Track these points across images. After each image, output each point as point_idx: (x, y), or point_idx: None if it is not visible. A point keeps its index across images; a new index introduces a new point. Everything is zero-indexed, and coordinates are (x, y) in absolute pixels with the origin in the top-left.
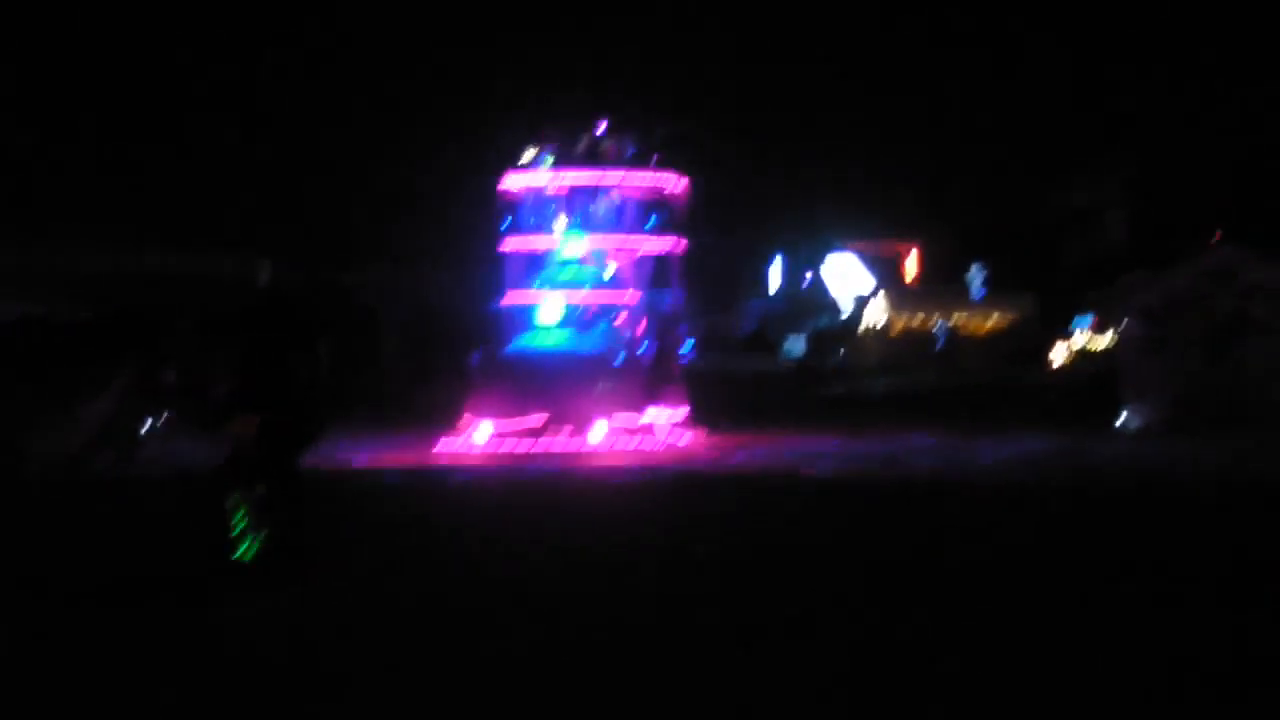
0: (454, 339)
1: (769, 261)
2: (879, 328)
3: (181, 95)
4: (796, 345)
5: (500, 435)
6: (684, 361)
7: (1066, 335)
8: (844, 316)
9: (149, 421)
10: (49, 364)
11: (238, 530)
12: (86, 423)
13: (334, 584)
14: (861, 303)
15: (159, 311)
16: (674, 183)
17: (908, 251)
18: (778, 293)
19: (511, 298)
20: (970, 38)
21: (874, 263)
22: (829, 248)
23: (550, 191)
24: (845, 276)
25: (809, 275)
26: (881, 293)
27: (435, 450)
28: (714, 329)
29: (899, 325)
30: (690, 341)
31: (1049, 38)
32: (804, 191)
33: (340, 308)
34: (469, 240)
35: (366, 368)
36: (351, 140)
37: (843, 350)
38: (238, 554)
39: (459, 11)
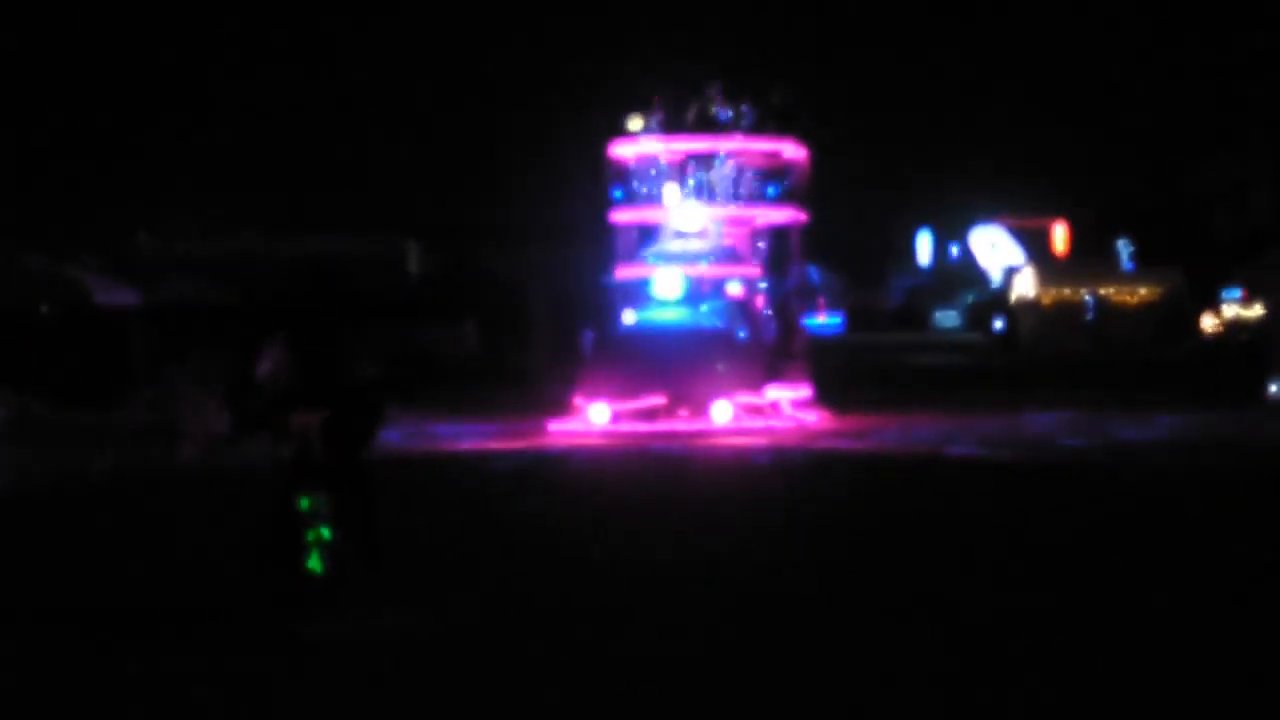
0: (567, 317)
1: (915, 236)
2: (1029, 299)
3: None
4: (947, 318)
5: (616, 416)
6: (829, 333)
7: (1214, 308)
8: (994, 288)
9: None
10: (201, 346)
11: (311, 537)
12: (236, 406)
13: (459, 595)
14: (1010, 275)
15: (309, 295)
16: (793, 151)
17: (1054, 225)
18: (925, 267)
19: (624, 272)
20: (1120, 11)
21: (1021, 236)
22: (975, 222)
23: (662, 159)
24: (994, 249)
25: (956, 249)
26: (1029, 265)
27: (548, 433)
28: (863, 303)
29: (1048, 297)
30: (839, 316)
31: (1197, 12)
32: (948, 165)
33: (485, 289)
34: (580, 213)
35: (513, 348)
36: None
37: (1000, 322)
38: (309, 564)
39: None
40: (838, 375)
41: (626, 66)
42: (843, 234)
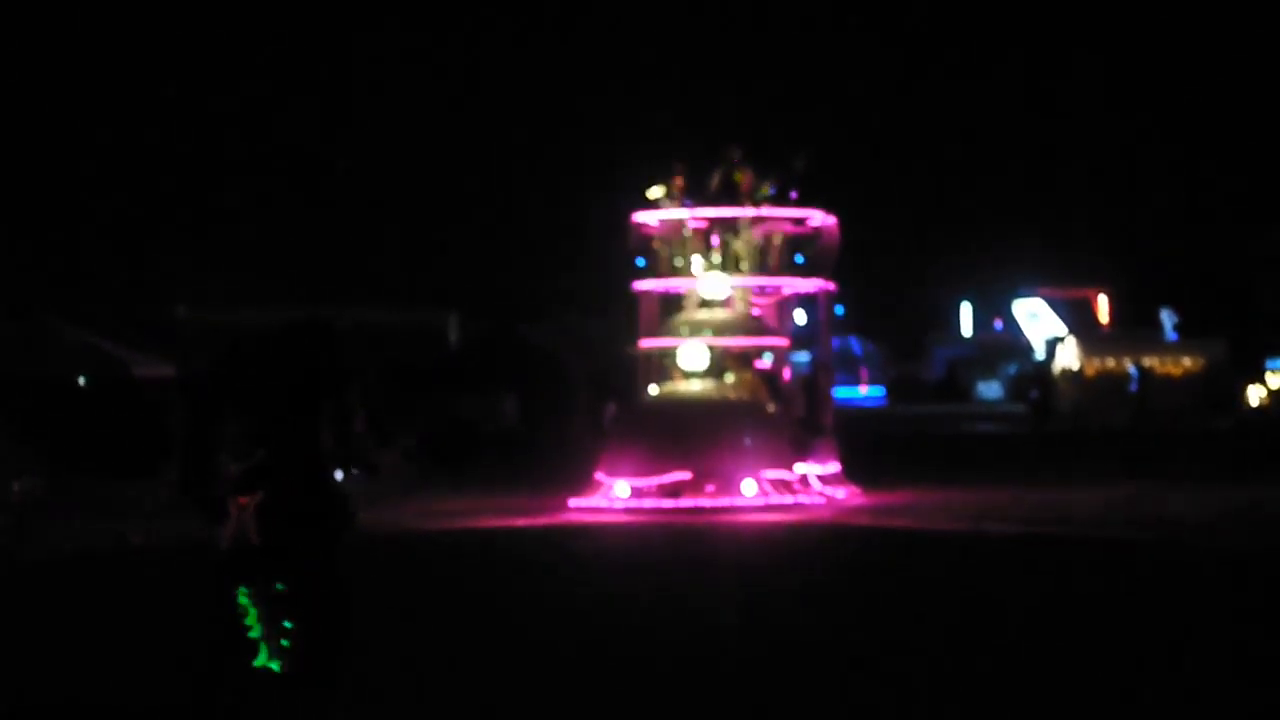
0: (589, 388)
1: (957, 307)
2: (1072, 371)
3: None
4: (989, 389)
5: (638, 493)
6: (871, 404)
7: (1260, 379)
8: (1037, 360)
9: (337, 473)
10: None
11: (257, 633)
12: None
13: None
14: (1052, 346)
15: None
16: (820, 218)
17: (1096, 296)
18: (967, 338)
19: (647, 343)
20: (1158, 81)
21: (1063, 306)
22: (1017, 292)
23: (686, 227)
24: (1035, 320)
25: (998, 321)
26: (1072, 337)
27: (568, 510)
28: (905, 375)
29: (1091, 368)
30: (880, 388)
31: (1238, 82)
32: (989, 236)
33: (524, 360)
34: (603, 282)
35: (552, 420)
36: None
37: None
38: (260, 661)
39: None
40: (872, 448)
41: (652, 133)
42: (884, 305)
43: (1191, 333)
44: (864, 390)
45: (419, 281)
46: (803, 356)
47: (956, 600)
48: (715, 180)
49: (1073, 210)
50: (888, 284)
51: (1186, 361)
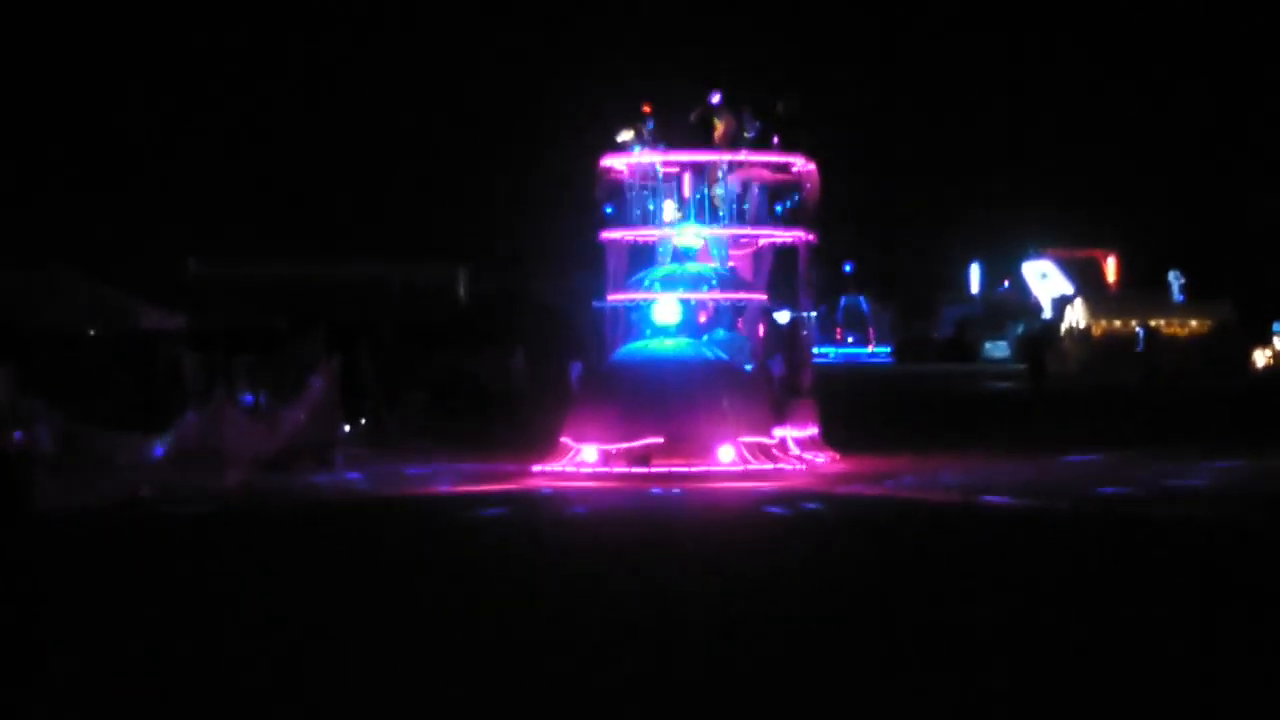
0: (559, 345)
1: (966, 268)
2: (1079, 331)
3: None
4: (996, 349)
5: (606, 458)
6: (878, 362)
7: (1266, 342)
8: (1045, 319)
9: (346, 429)
10: (249, 371)
11: None
12: (283, 428)
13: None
14: (1060, 306)
15: (355, 319)
16: (802, 165)
17: (1105, 257)
18: (976, 298)
19: (616, 297)
20: (1171, 44)
21: (1072, 267)
22: (1026, 253)
23: (658, 174)
24: (1044, 280)
25: (1007, 281)
26: (1079, 298)
27: (534, 474)
28: (913, 334)
29: (1099, 329)
30: (888, 347)
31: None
32: (999, 196)
33: (532, 316)
34: (570, 232)
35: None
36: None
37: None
38: None
39: None
40: (862, 408)
41: (626, 75)
42: (894, 265)
43: (1199, 295)
44: (871, 349)
45: (428, 236)
46: (784, 313)
47: (930, 577)
48: (693, 120)
49: (1082, 172)
50: (897, 244)
51: (1193, 323)
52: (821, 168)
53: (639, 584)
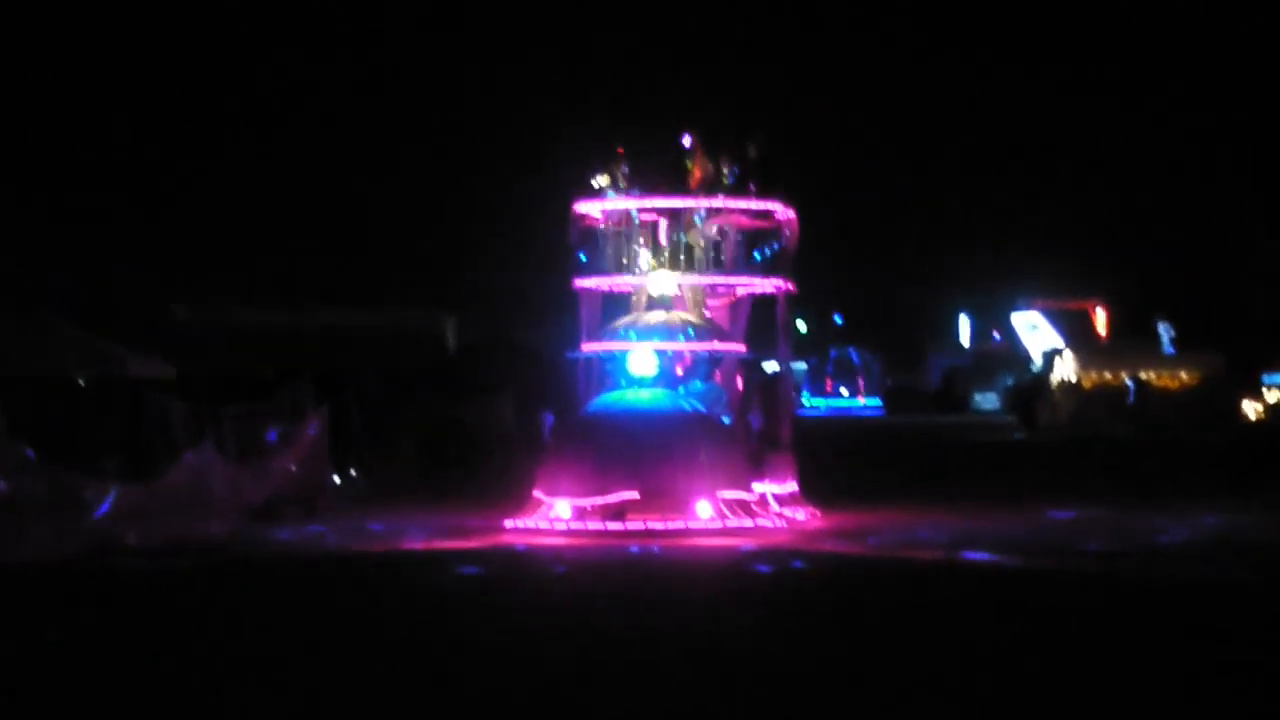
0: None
1: (955, 318)
2: (1069, 383)
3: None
4: (986, 400)
5: (580, 513)
6: (869, 414)
7: (1256, 393)
8: (1034, 371)
9: (333, 477)
10: (236, 418)
11: None
12: (272, 477)
13: None
14: (1050, 358)
15: (343, 367)
16: (781, 212)
17: (1095, 309)
18: (965, 349)
19: (590, 347)
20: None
21: (1061, 319)
22: (1015, 304)
23: (633, 220)
24: (1034, 331)
25: (996, 333)
26: (1069, 349)
27: (503, 531)
28: (902, 385)
29: (1089, 380)
30: (877, 398)
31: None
32: (987, 248)
33: (519, 362)
34: (542, 279)
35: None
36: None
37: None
38: None
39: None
40: (844, 462)
41: (602, 118)
42: (883, 316)
43: (1189, 346)
44: (862, 400)
45: (415, 284)
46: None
47: (905, 639)
48: (668, 167)
49: (1071, 222)
50: (886, 295)
51: (1183, 374)
52: (801, 214)
53: (589, 665)
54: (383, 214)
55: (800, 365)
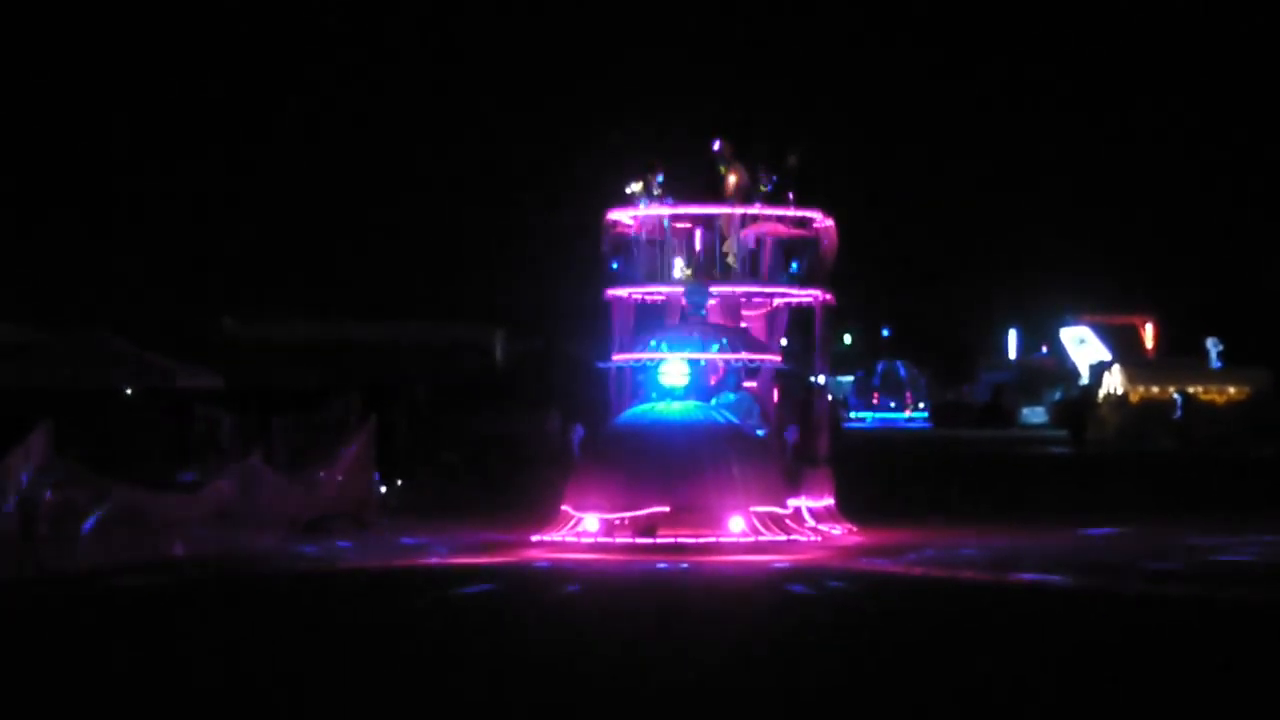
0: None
1: (1004, 333)
2: (1117, 397)
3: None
4: (1034, 414)
5: (609, 528)
6: (915, 427)
7: None
8: (1082, 385)
9: (380, 489)
10: (284, 431)
11: None
12: (321, 489)
13: None
14: (1098, 372)
15: (392, 380)
16: (820, 221)
17: (1143, 324)
18: (1013, 363)
19: (621, 358)
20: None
21: (1109, 334)
22: (1064, 319)
23: (666, 229)
24: (1082, 346)
25: (1044, 347)
26: (1117, 364)
27: (530, 546)
28: (950, 399)
29: (1136, 395)
30: (924, 411)
31: None
32: (1036, 262)
33: (567, 375)
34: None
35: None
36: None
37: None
38: None
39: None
40: (881, 476)
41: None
42: (931, 329)
43: (1236, 361)
44: (908, 414)
45: (465, 297)
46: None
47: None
48: (703, 175)
49: (1119, 238)
50: (935, 309)
51: (1231, 390)
52: (844, 226)
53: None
54: (432, 228)
55: (847, 378)
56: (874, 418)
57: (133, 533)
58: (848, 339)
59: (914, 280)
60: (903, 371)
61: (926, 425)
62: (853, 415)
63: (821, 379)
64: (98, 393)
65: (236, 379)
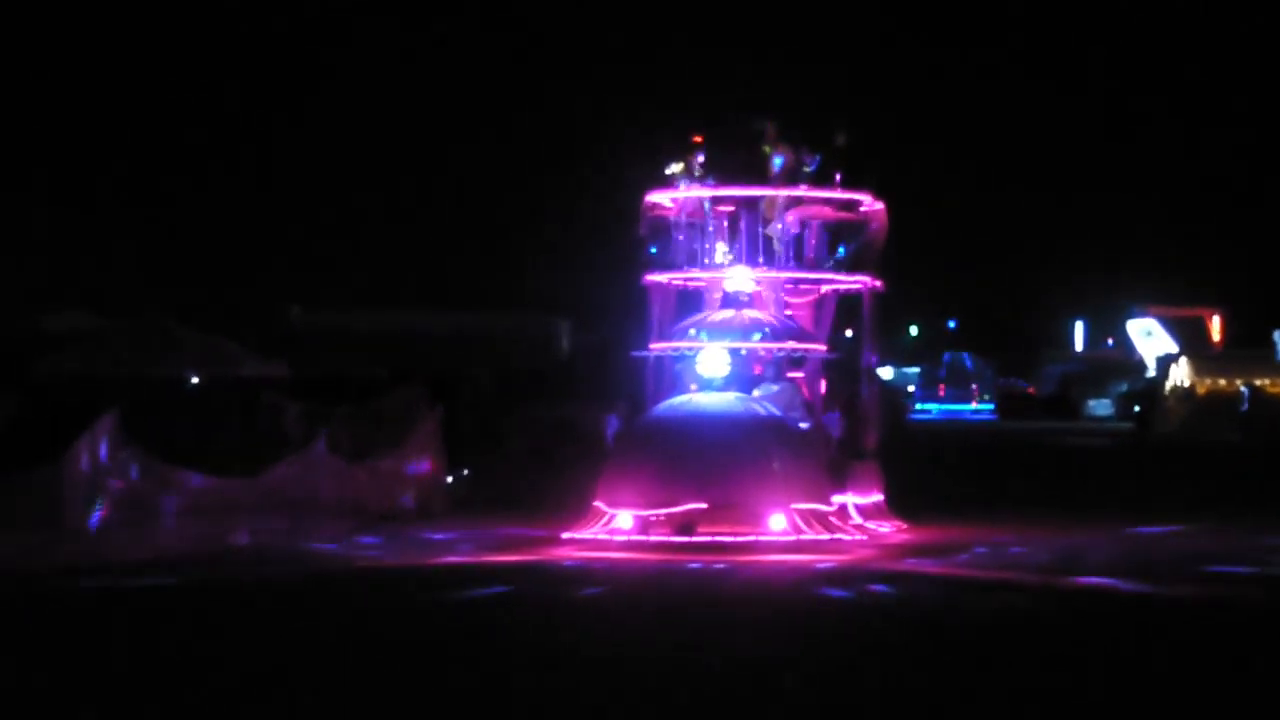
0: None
1: (1070, 325)
2: (1183, 389)
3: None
4: (1100, 406)
5: (643, 525)
6: (980, 419)
7: None
8: (1149, 377)
9: (446, 479)
10: (350, 419)
11: None
12: (385, 478)
13: None
14: (1164, 364)
15: (457, 370)
16: (869, 204)
17: (1210, 316)
18: (1079, 355)
19: (658, 346)
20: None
21: (1176, 326)
22: (1131, 311)
23: (707, 211)
24: (1148, 338)
25: (1110, 339)
26: (1184, 356)
27: (560, 544)
28: (1015, 390)
29: (1203, 387)
30: (990, 403)
31: None
32: (1104, 254)
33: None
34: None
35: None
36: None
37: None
38: None
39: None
40: (940, 469)
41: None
42: (998, 321)
43: None
44: (974, 405)
45: (532, 287)
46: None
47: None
48: (745, 156)
49: (1188, 230)
50: (1002, 301)
51: None
52: (899, 210)
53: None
54: (498, 218)
55: (913, 370)
56: (940, 409)
57: (197, 521)
58: (914, 331)
59: (980, 271)
60: (969, 363)
61: (992, 417)
62: (919, 407)
63: (873, 369)
64: (164, 381)
65: (303, 368)
